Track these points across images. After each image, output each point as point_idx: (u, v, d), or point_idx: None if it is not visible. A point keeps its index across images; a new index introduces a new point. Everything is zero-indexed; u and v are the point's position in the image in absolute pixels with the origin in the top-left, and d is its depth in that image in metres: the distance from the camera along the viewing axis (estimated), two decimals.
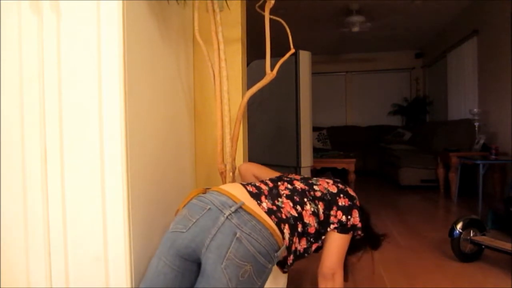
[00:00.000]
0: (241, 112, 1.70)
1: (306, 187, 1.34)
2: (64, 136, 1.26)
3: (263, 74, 1.68)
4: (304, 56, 2.92)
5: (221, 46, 1.64)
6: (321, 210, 1.29)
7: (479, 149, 4.29)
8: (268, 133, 3.15)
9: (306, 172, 2.90)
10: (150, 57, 1.46)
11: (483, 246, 2.35)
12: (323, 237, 1.32)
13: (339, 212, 1.31)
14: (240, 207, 1.12)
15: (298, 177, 1.43)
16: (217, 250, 1.05)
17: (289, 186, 1.34)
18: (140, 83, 1.36)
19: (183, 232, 1.10)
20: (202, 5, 1.76)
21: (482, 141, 4.30)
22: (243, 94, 1.93)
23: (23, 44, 1.28)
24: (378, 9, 5.13)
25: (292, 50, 1.76)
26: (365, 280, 2.15)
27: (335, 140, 7.15)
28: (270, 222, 1.13)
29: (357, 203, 1.37)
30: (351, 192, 1.39)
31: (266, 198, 1.23)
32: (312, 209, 1.27)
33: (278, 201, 1.24)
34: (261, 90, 1.71)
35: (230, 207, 1.11)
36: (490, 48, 4.61)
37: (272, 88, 3.06)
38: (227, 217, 1.09)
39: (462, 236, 2.37)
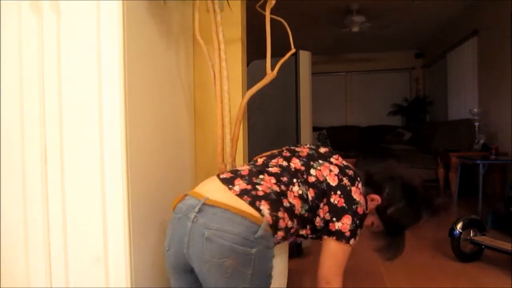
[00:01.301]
0: (241, 112, 1.70)
1: (302, 168, 1.20)
2: (64, 136, 1.26)
3: (263, 74, 1.68)
4: (304, 56, 2.92)
5: (222, 46, 1.64)
6: (310, 197, 1.16)
7: (479, 149, 4.29)
8: (268, 133, 3.15)
9: None
10: (150, 57, 1.45)
11: (483, 246, 2.35)
12: (314, 228, 1.20)
13: (326, 208, 1.16)
14: (204, 204, 1.06)
15: (305, 151, 1.28)
16: (196, 257, 1.04)
17: (283, 163, 1.22)
18: (140, 83, 1.36)
19: (168, 250, 1.11)
20: (203, 5, 1.76)
21: (482, 141, 4.30)
22: (243, 94, 1.93)
23: (23, 44, 1.28)
24: (378, 9, 5.12)
25: (293, 50, 1.76)
26: (365, 280, 2.15)
27: (335, 140, 7.15)
28: (240, 205, 1.05)
29: (359, 209, 1.15)
30: (356, 195, 1.16)
31: (242, 179, 1.14)
32: (300, 192, 1.15)
33: (257, 178, 1.14)
34: (261, 90, 1.71)
35: (194, 208, 1.06)
36: (490, 48, 4.61)
37: (272, 88, 3.05)
38: (192, 221, 1.04)
39: (462, 236, 2.37)
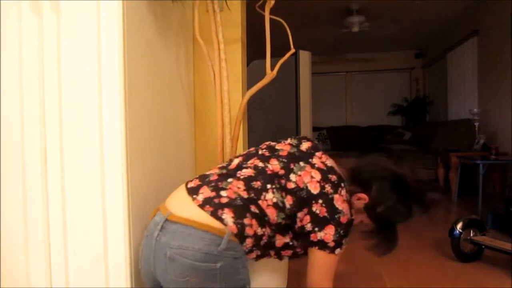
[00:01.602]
0: (241, 112, 1.70)
1: (281, 172, 1.10)
2: (64, 136, 1.26)
3: (263, 74, 1.68)
4: (304, 56, 2.92)
5: (221, 46, 1.64)
6: (287, 205, 1.07)
7: (479, 149, 4.29)
8: (268, 133, 3.15)
9: None
10: (150, 57, 1.46)
11: (483, 246, 2.35)
12: (296, 234, 1.11)
13: (307, 218, 1.07)
14: (166, 220, 1.02)
15: (285, 150, 1.17)
16: (162, 277, 1.02)
17: (259, 164, 1.12)
18: (140, 83, 1.36)
19: (140, 269, 1.10)
20: (202, 5, 1.76)
21: (482, 141, 4.30)
22: (243, 94, 1.93)
23: (23, 44, 1.28)
24: (378, 9, 5.12)
25: (292, 50, 1.76)
26: (365, 280, 2.15)
27: (335, 140, 7.15)
28: (202, 217, 0.99)
29: (342, 219, 1.07)
30: (339, 204, 1.07)
31: (208, 186, 1.07)
32: (275, 200, 1.05)
33: (224, 183, 1.07)
34: (261, 90, 1.71)
35: (158, 225, 1.03)
36: (490, 48, 4.61)
37: (272, 88, 3.05)
38: (156, 240, 1.02)
39: (462, 236, 2.36)
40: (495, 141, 4.33)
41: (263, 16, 1.69)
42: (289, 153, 1.16)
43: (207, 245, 0.97)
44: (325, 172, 1.11)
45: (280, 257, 1.18)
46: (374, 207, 1.13)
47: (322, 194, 1.07)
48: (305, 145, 1.20)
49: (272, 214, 1.05)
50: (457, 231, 2.35)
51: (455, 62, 5.64)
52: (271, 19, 1.69)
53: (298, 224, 1.08)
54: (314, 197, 1.07)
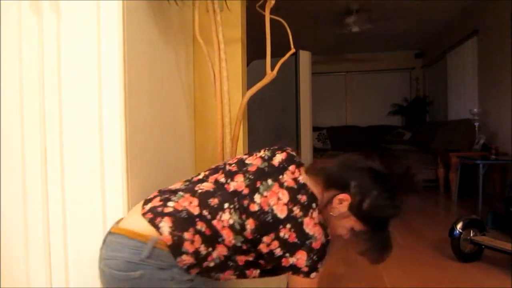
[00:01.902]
0: (241, 112, 1.70)
1: (245, 191, 1.00)
2: (64, 136, 1.26)
3: (263, 74, 1.68)
4: (304, 56, 2.92)
5: (222, 46, 1.64)
6: (248, 229, 0.96)
7: (479, 149, 4.29)
8: (268, 133, 3.15)
9: None
10: (150, 57, 1.46)
11: (483, 246, 2.35)
12: (261, 256, 1.00)
13: (275, 243, 0.96)
14: (108, 233, 0.98)
15: (255, 165, 1.06)
16: None
17: (221, 180, 1.04)
18: (140, 83, 1.36)
19: None
20: (202, 5, 1.76)
21: (482, 141, 4.30)
22: (243, 94, 1.93)
23: (23, 44, 1.28)
24: (378, 9, 5.12)
25: (293, 50, 1.76)
26: (364, 280, 2.15)
27: (335, 140, 7.15)
28: (137, 225, 0.94)
29: (314, 244, 0.96)
30: (309, 228, 0.96)
31: (161, 196, 1.02)
32: (231, 222, 0.96)
33: (176, 195, 1.01)
34: (261, 90, 1.71)
35: (104, 240, 0.99)
36: (490, 48, 4.61)
37: (272, 88, 3.05)
38: (100, 254, 0.99)
39: (462, 236, 2.37)
40: (495, 141, 4.33)
41: (263, 16, 1.69)
42: (258, 168, 1.05)
43: (130, 253, 0.91)
44: (294, 192, 1.00)
45: (244, 276, 1.06)
46: (359, 205, 1.01)
47: (290, 218, 0.96)
48: (278, 158, 1.09)
49: (228, 236, 0.96)
50: (457, 231, 2.35)
51: (455, 62, 5.64)
52: (271, 19, 1.69)
53: (265, 249, 0.97)
54: (281, 222, 0.96)
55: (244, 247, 0.98)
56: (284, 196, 0.99)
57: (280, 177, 1.03)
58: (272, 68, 1.67)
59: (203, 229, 0.95)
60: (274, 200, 0.98)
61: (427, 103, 7.18)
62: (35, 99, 1.27)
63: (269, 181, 1.01)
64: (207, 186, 1.03)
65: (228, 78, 1.66)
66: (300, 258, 0.96)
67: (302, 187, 1.02)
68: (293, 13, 5.12)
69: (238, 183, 1.02)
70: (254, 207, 0.97)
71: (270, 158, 1.09)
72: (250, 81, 2.10)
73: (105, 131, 1.24)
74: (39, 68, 1.27)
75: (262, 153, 1.12)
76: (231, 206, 0.98)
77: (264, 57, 1.67)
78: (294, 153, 1.13)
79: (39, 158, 1.28)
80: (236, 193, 1.00)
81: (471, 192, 4.34)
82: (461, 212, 3.75)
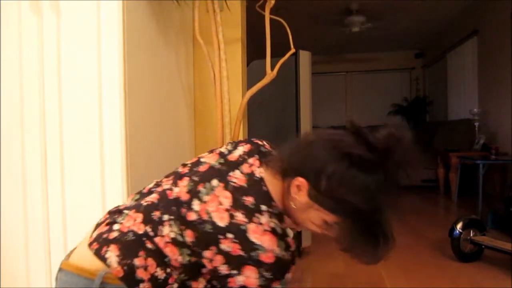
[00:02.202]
0: (241, 112, 1.70)
1: (186, 197, 0.83)
2: (64, 136, 1.26)
3: (263, 74, 1.68)
4: (304, 56, 2.92)
5: (222, 46, 1.64)
6: (188, 241, 0.80)
7: (479, 149, 4.29)
8: (268, 133, 3.15)
9: None
10: (150, 57, 1.46)
11: (483, 246, 2.35)
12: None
13: (219, 258, 0.78)
14: (59, 268, 0.87)
15: (208, 163, 0.89)
16: None
17: (165, 186, 0.89)
18: (140, 83, 1.36)
19: None
20: (202, 5, 1.76)
21: (482, 141, 4.31)
22: (243, 94, 1.93)
23: (23, 44, 1.28)
24: (378, 9, 5.12)
25: (293, 50, 1.76)
26: (364, 280, 2.15)
27: None
28: (83, 258, 0.83)
29: (263, 257, 0.75)
30: (255, 236, 0.76)
31: (110, 218, 0.90)
32: (173, 235, 0.80)
33: (121, 215, 0.88)
34: (261, 90, 1.71)
35: (56, 277, 0.89)
36: (490, 48, 4.61)
37: (272, 88, 3.05)
38: None
39: (462, 236, 2.37)
40: (495, 141, 4.33)
41: (263, 16, 1.69)
42: (210, 167, 0.89)
43: None
44: (240, 193, 0.81)
45: None
46: (318, 186, 0.77)
47: (232, 226, 0.77)
48: (240, 151, 0.91)
49: (173, 254, 0.80)
50: (457, 231, 2.35)
51: (455, 62, 5.64)
52: (271, 19, 1.69)
53: (209, 266, 0.80)
54: (222, 231, 0.77)
55: (192, 260, 0.81)
56: (227, 199, 0.80)
57: (231, 174, 0.85)
58: (272, 68, 1.67)
59: (153, 247, 0.81)
60: (215, 205, 0.80)
61: (427, 103, 7.18)
62: (35, 99, 1.27)
63: (214, 182, 0.84)
64: (152, 198, 0.87)
65: (228, 78, 1.66)
66: (249, 276, 0.76)
67: (254, 185, 0.83)
68: (293, 13, 5.12)
69: (180, 188, 0.85)
70: (192, 216, 0.80)
71: (230, 152, 0.92)
72: (250, 81, 2.11)
73: (105, 131, 1.24)
74: (39, 68, 1.27)
75: (223, 148, 0.95)
76: (171, 217, 0.81)
77: (264, 57, 1.67)
78: (262, 143, 0.95)
79: (39, 158, 1.28)
80: (176, 201, 0.83)
81: (471, 192, 4.34)
82: (461, 212, 3.75)
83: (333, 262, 2.30)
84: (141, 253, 0.80)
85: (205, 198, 0.82)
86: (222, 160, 0.90)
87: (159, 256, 0.81)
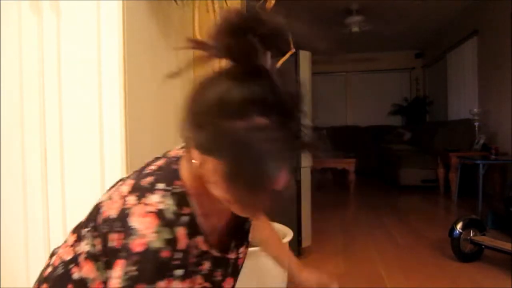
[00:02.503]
0: None
1: (100, 205, 0.73)
2: (64, 136, 1.26)
3: None
4: (304, 56, 2.91)
5: None
6: (98, 249, 0.68)
7: (479, 149, 4.29)
8: None
9: (306, 172, 2.87)
10: (150, 57, 1.46)
11: (483, 246, 2.35)
12: None
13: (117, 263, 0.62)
14: None
15: (152, 166, 0.71)
16: None
17: (104, 196, 0.76)
18: (140, 83, 1.36)
19: None
20: (202, 5, 1.76)
21: (482, 141, 4.31)
22: None
23: (23, 44, 1.28)
24: (378, 9, 5.13)
25: (293, 50, 1.76)
26: (364, 280, 2.15)
27: (335, 140, 7.14)
28: None
29: (133, 244, 0.58)
30: (135, 219, 0.60)
31: (58, 248, 0.80)
32: (87, 248, 0.69)
33: (62, 244, 0.79)
34: None
35: None
36: (490, 48, 4.61)
37: None
38: None
39: (462, 236, 2.36)
40: (495, 141, 4.33)
41: None
42: (137, 171, 0.75)
43: None
44: (143, 176, 0.68)
45: None
46: (195, 123, 0.64)
47: (120, 213, 0.64)
48: (170, 153, 0.76)
49: (91, 272, 0.68)
50: (457, 231, 2.35)
51: (455, 62, 5.64)
52: None
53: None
54: (112, 223, 0.65)
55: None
56: (127, 186, 0.67)
57: (154, 163, 0.72)
58: None
59: (77, 277, 0.70)
60: (116, 196, 0.67)
61: (427, 103, 7.18)
62: (35, 99, 1.27)
63: (121, 181, 0.74)
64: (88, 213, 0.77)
65: None
66: (113, 276, 0.59)
67: (167, 165, 0.69)
68: (293, 13, 5.12)
69: (104, 197, 0.74)
70: (99, 219, 0.68)
71: (147, 166, 0.73)
72: None
73: (105, 131, 1.24)
74: (39, 68, 1.27)
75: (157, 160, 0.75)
76: (88, 229, 0.71)
77: None
78: (172, 159, 0.76)
79: (39, 158, 1.28)
80: (96, 209, 0.73)
81: (471, 192, 4.34)
82: (461, 212, 3.75)
83: (333, 262, 2.30)
84: (69, 286, 0.69)
85: (113, 195, 0.70)
86: (154, 161, 0.75)
87: (84, 286, 0.69)
